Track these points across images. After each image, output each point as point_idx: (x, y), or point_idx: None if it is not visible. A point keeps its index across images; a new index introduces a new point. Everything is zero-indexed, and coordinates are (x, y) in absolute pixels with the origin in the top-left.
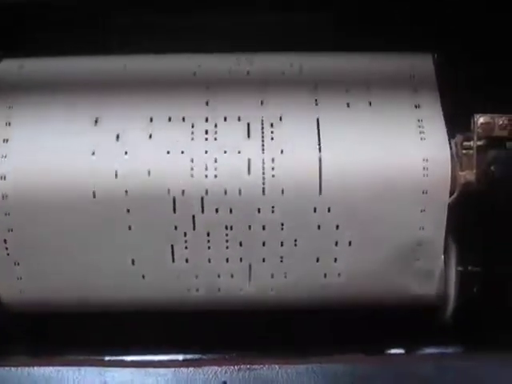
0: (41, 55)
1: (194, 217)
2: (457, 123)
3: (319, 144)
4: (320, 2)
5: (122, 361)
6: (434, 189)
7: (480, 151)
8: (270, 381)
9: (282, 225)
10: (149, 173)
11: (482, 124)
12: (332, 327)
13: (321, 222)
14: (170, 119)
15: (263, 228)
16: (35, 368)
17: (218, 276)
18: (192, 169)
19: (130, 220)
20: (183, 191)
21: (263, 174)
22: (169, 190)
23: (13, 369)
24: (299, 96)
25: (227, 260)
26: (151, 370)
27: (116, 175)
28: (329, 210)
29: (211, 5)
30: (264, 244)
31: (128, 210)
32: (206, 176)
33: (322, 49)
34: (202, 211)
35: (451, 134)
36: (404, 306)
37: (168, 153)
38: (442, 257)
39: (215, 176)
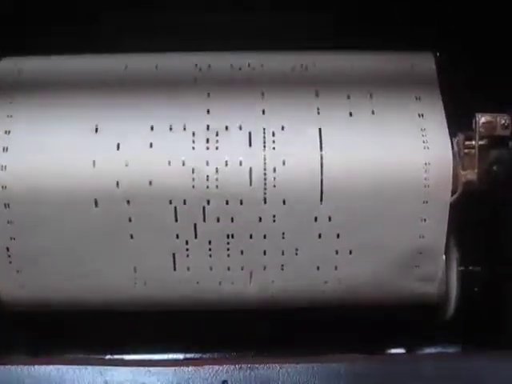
0: (40, 54)
1: (195, 225)
2: (458, 122)
3: (321, 154)
4: (320, 2)
5: (123, 360)
6: (436, 188)
7: (482, 151)
8: (271, 380)
9: (283, 234)
10: (150, 183)
11: (483, 123)
12: (332, 327)
13: (322, 230)
14: (170, 128)
15: (264, 237)
16: (35, 367)
17: (220, 284)
18: (193, 179)
19: (132, 229)
20: (184, 200)
21: (264, 183)
22: (170, 199)
23: (13, 368)
24: (301, 105)
25: (228, 268)
26: (152, 369)
27: (117, 185)
28: (329, 219)
29: (211, 4)
30: (265, 253)
31: (130, 219)
32: (208, 187)
33: (322, 48)
34: (204, 220)
35: (453, 134)
36: (404, 306)
37: (169, 163)
38: (444, 257)
39: (216, 186)
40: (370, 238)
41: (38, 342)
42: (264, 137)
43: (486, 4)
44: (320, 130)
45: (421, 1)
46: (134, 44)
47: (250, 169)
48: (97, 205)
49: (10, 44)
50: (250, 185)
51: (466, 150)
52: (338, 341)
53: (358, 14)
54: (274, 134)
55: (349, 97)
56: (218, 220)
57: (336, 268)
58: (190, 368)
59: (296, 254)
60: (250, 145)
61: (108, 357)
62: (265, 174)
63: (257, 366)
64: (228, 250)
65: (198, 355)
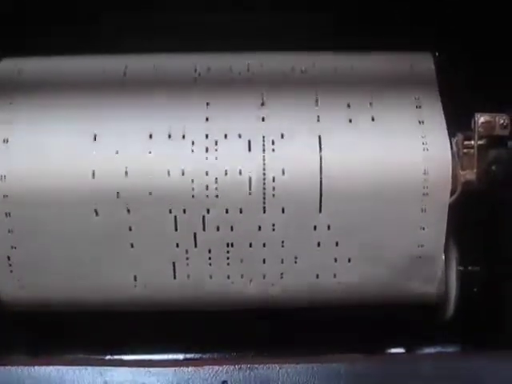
0: (40, 54)
1: (195, 234)
2: (457, 122)
3: (320, 162)
4: (320, 2)
5: (122, 360)
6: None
7: (481, 150)
8: (271, 380)
9: (283, 242)
10: (150, 192)
11: (482, 123)
12: (332, 327)
13: (321, 239)
14: (169, 136)
15: (264, 245)
16: (35, 367)
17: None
18: (193, 188)
19: (132, 237)
20: (184, 210)
21: (264, 192)
22: (170, 208)
23: (13, 368)
24: (300, 112)
25: (228, 277)
26: (151, 369)
27: (117, 195)
28: (328, 228)
29: (211, 4)
30: (264, 261)
31: (130, 228)
32: (207, 196)
33: (322, 48)
34: (204, 229)
35: (452, 134)
36: (404, 306)
37: (168, 173)
38: (443, 257)
39: (216, 196)
40: (369, 245)
41: (37, 342)
42: (263, 145)
43: (485, 4)
44: (320, 137)
45: (421, 1)
46: (133, 44)
47: (250, 178)
48: (97, 214)
49: (10, 44)
50: (250, 194)
51: (465, 150)
52: (337, 341)
53: (357, 13)
54: (273, 143)
55: (349, 105)
56: (218, 229)
57: (335, 276)
58: (190, 368)
59: (295, 262)
60: (250, 154)
61: (108, 357)
62: (264, 184)
63: (256, 366)
64: (228, 258)
65: (197, 355)
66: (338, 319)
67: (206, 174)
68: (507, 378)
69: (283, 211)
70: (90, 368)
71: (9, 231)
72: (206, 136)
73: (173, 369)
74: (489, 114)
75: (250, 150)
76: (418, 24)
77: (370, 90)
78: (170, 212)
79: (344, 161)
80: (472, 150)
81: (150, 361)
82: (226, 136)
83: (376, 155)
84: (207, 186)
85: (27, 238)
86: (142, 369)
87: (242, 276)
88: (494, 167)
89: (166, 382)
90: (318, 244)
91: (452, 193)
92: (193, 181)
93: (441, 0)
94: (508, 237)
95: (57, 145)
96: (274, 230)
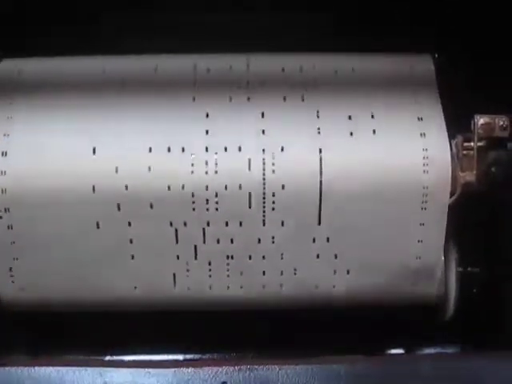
0: (40, 55)
1: (195, 247)
2: (457, 124)
3: (321, 175)
4: (320, 2)
5: (122, 361)
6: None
7: (480, 152)
8: (270, 381)
9: (282, 255)
10: (151, 206)
11: (482, 125)
12: (332, 327)
13: (320, 251)
14: (169, 149)
15: (263, 258)
16: (35, 368)
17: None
18: (193, 202)
19: (133, 250)
20: (185, 223)
21: (263, 206)
22: (171, 222)
23: (13, 369)
24: (301, 124)
25: (228, 287)
26: (151, 370)
27: (119, 208)
28: (327, 240)
29: (211, 4)
30: (264, 273)
31: (131, 241)
32: (207, 209)
33: (322, 49)
34: (204, 241)
35: (452, 135)
36: (404, 307)
37: (169, 188)
38: (443, 258)
39: (216, 209)
40: (368, 257)
41: (37, 343)
42: (263, 159)
43: (485, 4)
44: (320, 150)
45: (421, 1)
46: (134, 44)
47: (250, 194)
48: (98, 226)
49: (10, 44)
50: (250, 207)
51: (464, 152)
52: (337, 342)
53: (357, 14)
54: (273, 157)
55: (350, 117)
56: (218, 241)
57: (334, 286)
58: (190, 369)
59: (295, 273)
60: (250, 168)
61: (107, 358)
62: (264, 197)
63: (256, 367)
64: (228, 270)
65: (197, 356)
66: (338, 320)
67: (206, 188)
68: (507, 378)
69: (282, 224)
70: (89, 369)
71: (11, 243)
72: (206, 149)
73: (172, 370)
74: (488, 115)
75: (249, 163)
76: (417, 24)
77: (370, 93)
78: (171, 225)
79: (344, 174)
80: (472, 152)
81: (149, 361)
82: (225, 149)
83: (376, 163)
84: (207, 201)
85: (28, 250)
86: (141, 369)
87: (241, 287)
88: (493, 169)
89: (166, 382)
90: (317, 256)
91: (452, 194)
92: (193, 194)
93: (441, 0)
94: (507, 238)
95: (56, 155)
96: (273, 242)
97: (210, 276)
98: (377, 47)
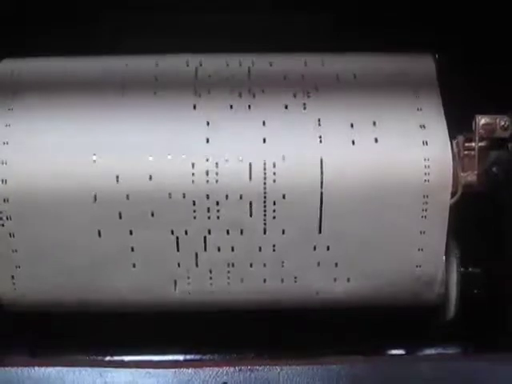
0: (40, 55)
1: (196, 255)
2: (458, 124)
3: (321, 184)
4: (320, 3)
5: (123, 361)
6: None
7: (482, 152)
8: (271, 382)
9: (283, 262)
10: (152, 214)
11: (483, 125)
12: (332, 328)
13: (320, 259)
14: (169, 158)
15: (264, 265)
16: (35, 368)
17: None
18: (194, 211)
19: (135, 258)
20: (186, 231)
21: (264, 214)
22: (172, 230)
23: (13, 369)
24: (302, 133)
25: (228, 293)
26: (152, 370)
27: (120, 216)
28: (328, 249)
29: (211, 4)
30: (265, 281)
31: (132, 249)
32: (209, 218)
33: (321, 50)
34: (205, 249)
35: (453, 135)
36: (404, 308)
37: (170, 196)
38: (444, 258)
39: (217, 217)
40: (368, 264)
41: (37, 343)
42: (265, 168)
43: (486, 5)
44: (321, 159)
45: (421, 1)
46: (134, 44)
47: (250, 203)
48: (100, 235)
49: (10, 44)
50: (250, 216)
51: (465, 152)
52: (337, 342)
53: (358, 14)
54: (274, 165)
55: (352, 125)
56: (219, 249)
57: (334, 293)
58: (190, 370)
59: (295, 281)
60: (250, 178)
61: (108, 358)
62: (264, 206)
63: (257, 367)
64: (228, 278)
65: (197, 357)
66: (338, 321)
67: (207, 196)
68: (507, 379)
69: (283, 232)
70: (89, 369)
71: (13, 251)
72: (207, 158)
73: (173, 370)
74: (489, 115)
75: (250, 173)
76: (418, 24)
77: (371, 98)
78: (172, 233)
79: (345, 183)
80: (473, 152)
81: (150, 362)
82: (226, 158)
83: (378, 172)
84: (208, 209)
85: (30, 260)
86: (141, 370)
87: (242, 294)
88: (494, 169)
89: (166, 383)
90: (318, 264)
91: (453, 194)
92: (194, 203)
93: (441, 1)
94: (509, 238)
95: (57, 164)
96: (274, 250)
97: (211, 284)
98: (377, 48)
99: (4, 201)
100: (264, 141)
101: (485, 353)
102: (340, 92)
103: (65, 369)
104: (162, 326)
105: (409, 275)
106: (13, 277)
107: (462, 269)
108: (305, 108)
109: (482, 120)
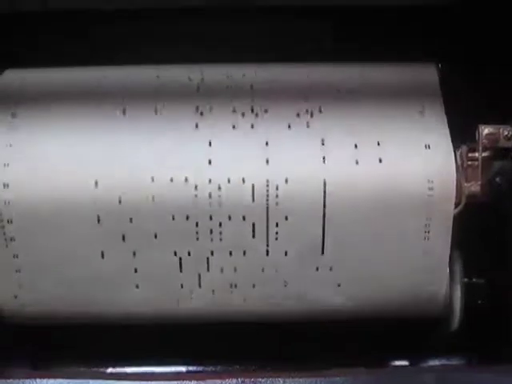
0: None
1: (199, 275)
2: (461, 134)
3: (324, 207)
4: (319, 11)
5: (124, 373)
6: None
7: (485, 162)
8: None
9: (285, 282)
10: (155, 235)
11: (487, 135)
12: (335, 340)
13: (323, 280)
14: (171, 180)
15: (267, 286)
16: (37, 380)
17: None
18: (197, 232)
19: (138, 279)
20: (189, 252)
21: (267, 236)
22: (175, 251)
23: (14, 381)
24: (305, 154)
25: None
26: (154, 382)
27: (123, 239)
28: (330, 269)
29: (210, 11)
30: (268, 302)
31: (135, 270)
32: (212, 240)
33: (321, 57)
34: (208, 270)
35: (456, 145)
36: (408, 319)
37: (173, 217)
38: (448, 269)
39: (220, 239)
40: (372, 284)
41: (38, 355)
42: (267, 189)
43: (488, 15)
44: (324, 181)
45: (424, 11)
46: (133, 55)
47: (253, 224)
48: (103, 256)
49: (12, 55)
50: (253, 237)
51: (469, 162)
52: (340, 354)
53: (357, 22)
54: (277, 187)
55: (356, 146)
56: (222, 270)
57: (337, 310)
58: (193, 382)
59: (298, 302)
60: (253, 199)
61: (110, 370)
62: (267, 228)
63: (260, 379)
64: (231, 299)
65: (200, 368)
66: (341, 332)
67: (210, 218)
68: None
69: (286, 254)
70: (92, 381)
71: (16, 271)
72: (209, 181)
73: (175, 382)
74: (493, 125)
75: (253, 195)
76: (420, 33)
77: (374, 115)
78: (175, 254)
79: (348, 205)
80: (476, 162)
81: (152, 374)
82: (229, 180)
83: (382, 193)
84: (211, 231)
85: (32, 278)
86: (144, 382)
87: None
88: (498, 179)
89: None
90: (321, 284)
91: (456, 205)
92: (197, 224)
93: (444, 10)
94: None
95: (58, 183)
96: (276, 271)
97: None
98: (377, 56)
99: (7, 221)
100: (267, 162)
101: (489, 364)
102: (343, 110)
103: (66, 381)
104: (165, 338)
105: (413, 288)
106: (14, 289)
107: (465, 279)
108: (308, 127)
109: (486, 130)
